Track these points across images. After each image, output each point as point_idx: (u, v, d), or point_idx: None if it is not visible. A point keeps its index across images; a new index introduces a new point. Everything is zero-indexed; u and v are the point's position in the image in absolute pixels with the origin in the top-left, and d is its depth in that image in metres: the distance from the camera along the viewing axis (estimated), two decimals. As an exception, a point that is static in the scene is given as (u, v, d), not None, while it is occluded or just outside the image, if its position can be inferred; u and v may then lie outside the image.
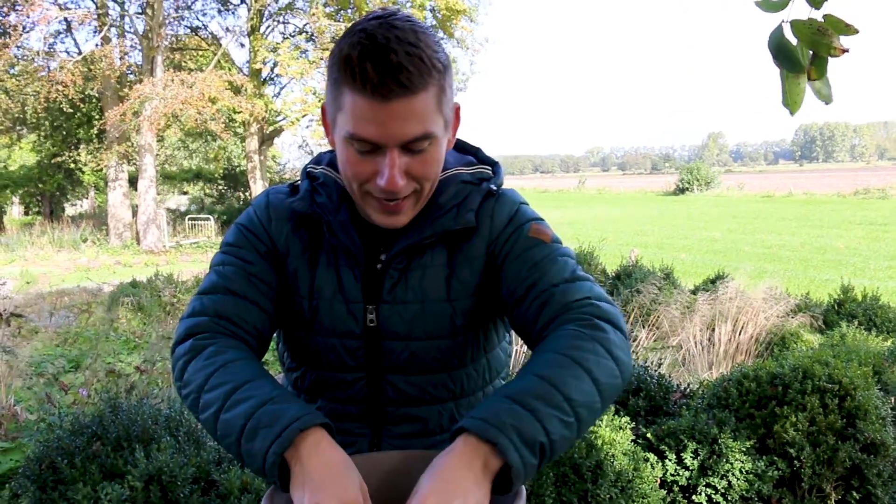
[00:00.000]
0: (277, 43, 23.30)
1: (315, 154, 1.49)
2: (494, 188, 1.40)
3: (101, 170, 23.05)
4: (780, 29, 1.44)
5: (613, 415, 3.56)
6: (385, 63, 1.11)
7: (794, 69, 1.46)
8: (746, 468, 3.46)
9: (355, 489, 1.05)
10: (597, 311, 1.22)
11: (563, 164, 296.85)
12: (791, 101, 1.52)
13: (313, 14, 21.62)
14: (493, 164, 1.44)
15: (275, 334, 1.46)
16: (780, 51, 1.45)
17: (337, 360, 1.37)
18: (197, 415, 1.20)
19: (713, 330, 7.20)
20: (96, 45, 20.89)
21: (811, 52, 1.45)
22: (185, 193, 38.11)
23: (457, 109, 1.31)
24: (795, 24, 1.43)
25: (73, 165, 25.61)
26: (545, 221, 1.40)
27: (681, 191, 56.70)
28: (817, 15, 1.43)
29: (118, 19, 22.03)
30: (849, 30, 1.42)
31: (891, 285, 12.68)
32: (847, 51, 1.41)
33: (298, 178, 1.45)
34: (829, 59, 1.45)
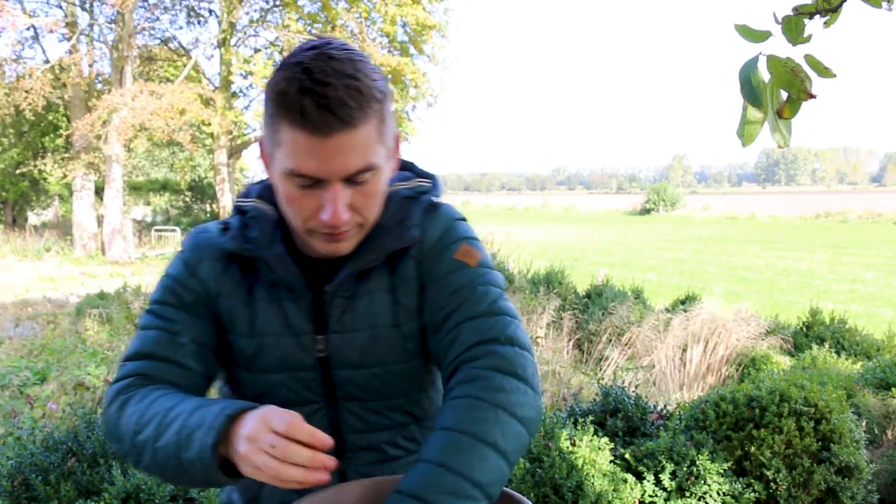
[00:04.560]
0: (249, 56, 23.22)
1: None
2: (435, 201, 1.36)
3: (67, 179, 22.71)
4: (755, 60, 1.43)
5: (593, 435, 3.58)
6: (324, 98, 1.08)
7: (755, 103, 1.46)
8: (724, 490, 3.49)
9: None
10: (501, 363, 1.16)
11: (529, 182, 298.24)
12: (746, 134, 1.52)
13: (287, 25, 21.59)
14: (431, 177, 1.41)
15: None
16: (748, 82, 1.45)
17: (291, 395, 1.31)
18: (138, 461, 1.17)
19: (684, 350, 7.26)
20: (66, 52, 20.64)
21: (785, 92, 1.46)
22: (149, 204, 37.67)
23: (396, 137, 1.26)
24: (771, 60, 1.42)
25: (37, 175, 25.23)
26: (478, 241, 1.34)
27: (646, 211, 57.32)
28: (800, 51, 1.45)
29: (87, 28, 21.79)
30: (827, 72, 1.43)
31: (853, 308, 12.90)
32: (815, 96, 1.41)
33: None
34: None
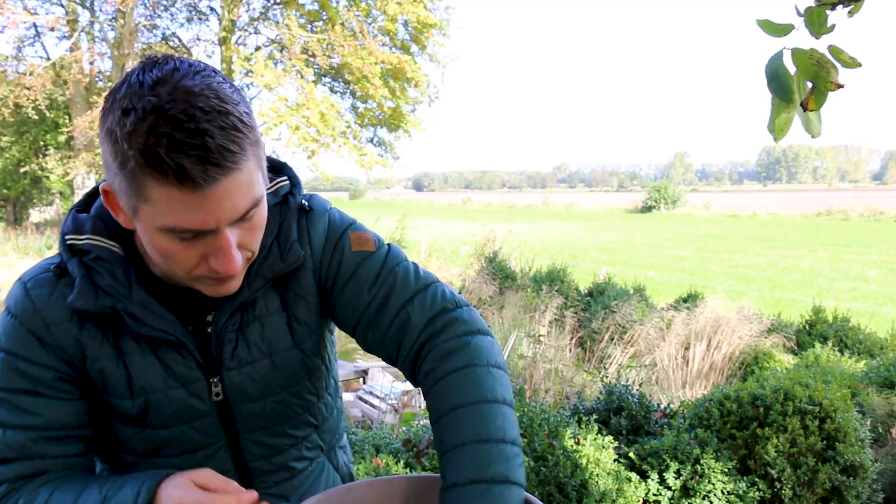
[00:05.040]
0: (250, 54, 23.21)
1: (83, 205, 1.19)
2: (306, 204, 1.24)
3: (69, 177, 22.74)
4: (779, 55, 1.43)
5: (597, 433, 3.57)
6: (204, 152, 0.92)
7: (785, 98, 1.45)
8: (728, 489, 3.48)
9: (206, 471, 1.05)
10: (465, 326, 1.19)
11: (530, 180, 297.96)
12: (777, 128, 1.51)
13: (286, 24, 21.58)
14: (285, 168, 1.27)
15: None
16: (776, 77, 1.44)
17: (189, 444, 1.21)
18: None
19: (687, 348, 7.25)
20: (67, 50, 20.65)
21: (810, 83, 1.46)
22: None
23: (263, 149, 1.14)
24: (796, 53, 1.42)
25: (39, 172, 25.24)
26: (359, 224, 1.29)
27: (647, 209, 57.32)
28: (822, 43, 1.44)
29: (88, 26, 21.80)
30: (852, 62, 1.42)
31: (855, 306, 12.88)
32: (843, 86, 1.40)
33: (59, 254, 1.15)
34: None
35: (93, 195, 1.20)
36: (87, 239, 1.12)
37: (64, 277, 1.12)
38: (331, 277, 1.23)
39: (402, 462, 3.28)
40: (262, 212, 1.07)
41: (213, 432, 1.21)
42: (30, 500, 1.09)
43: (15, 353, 1.10)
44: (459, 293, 1.38)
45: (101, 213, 1.15)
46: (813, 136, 1.52)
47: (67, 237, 1.13)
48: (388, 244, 1.28)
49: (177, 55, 1.00)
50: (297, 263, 1.19)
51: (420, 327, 1.19)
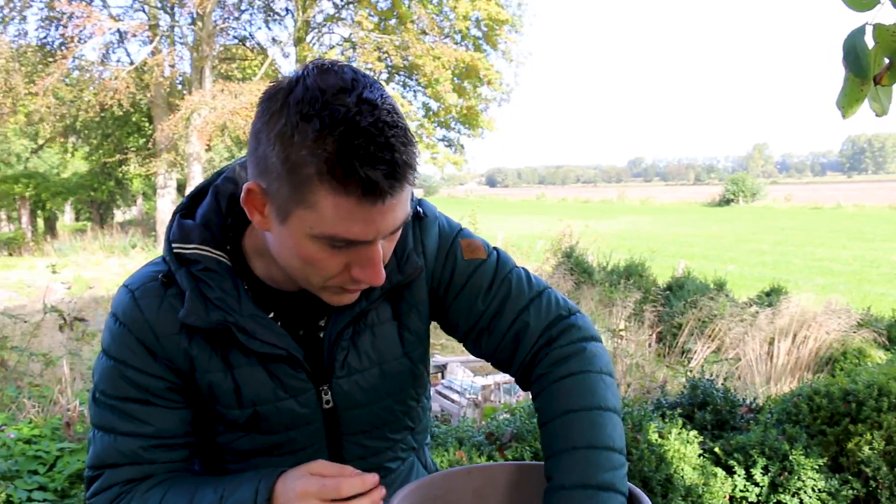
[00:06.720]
0: (323, 53, 23.54)
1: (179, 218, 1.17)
2: (420, 211, 1.23)
3: (150, 177, 23.47)
4: (861, 30, 1.37)
5: (681, 428, 3.51)
6: (392, 166, 0.92)
7: (860, 74, 1.40)
8: (819, 486, 3.38)
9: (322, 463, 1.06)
10: (577, 333, 1.20)
11: (604, 174, 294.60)
12: (847, 105, 1.46)
13: (358, 23, 21.83)
14: None
15: None
16: (852, 51, 1.39)
17: (291, 445, 1.22)
18: None
19: (771, 343, 7.07)
20: (149, 54, 21.30)
21: (888, 60, 1.40)
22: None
23: None
24: (878, 29, 1.37)
25: (120, 175, 26.05)
26: (467, 229, 1.29)
27: (726, 202, 56.08)
28: None
29: (168, 30, 22.42)
30: None
31: (950, 300, 12.36)
32: None
33: (163, 259, 1.15)
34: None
35: (195, 197, 1.19)
36: (195, 249, 1.11)
37: (171, 287, 1.12)
38: (443, 286, 1.24)
39: (484, 455, 3.28)
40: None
41: (317, 436, 1.22)
42: (141, 502, 1.11)
43: (124, 362, 1.11)
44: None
45: (206, 221, 1.14)
46: (878, 115, 1.46)
47: (174, 245, 1.12)
48: (496, 248, 1.28)
49: (341, 60, 0.99)
50: (414, 275, 1.18)
51: (537, 335, 1.21)
